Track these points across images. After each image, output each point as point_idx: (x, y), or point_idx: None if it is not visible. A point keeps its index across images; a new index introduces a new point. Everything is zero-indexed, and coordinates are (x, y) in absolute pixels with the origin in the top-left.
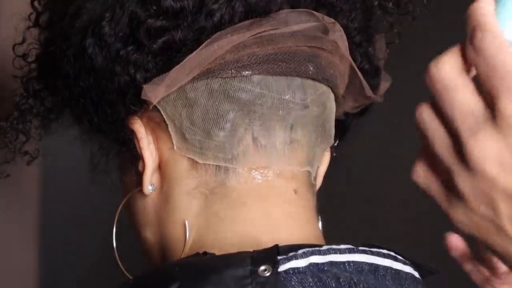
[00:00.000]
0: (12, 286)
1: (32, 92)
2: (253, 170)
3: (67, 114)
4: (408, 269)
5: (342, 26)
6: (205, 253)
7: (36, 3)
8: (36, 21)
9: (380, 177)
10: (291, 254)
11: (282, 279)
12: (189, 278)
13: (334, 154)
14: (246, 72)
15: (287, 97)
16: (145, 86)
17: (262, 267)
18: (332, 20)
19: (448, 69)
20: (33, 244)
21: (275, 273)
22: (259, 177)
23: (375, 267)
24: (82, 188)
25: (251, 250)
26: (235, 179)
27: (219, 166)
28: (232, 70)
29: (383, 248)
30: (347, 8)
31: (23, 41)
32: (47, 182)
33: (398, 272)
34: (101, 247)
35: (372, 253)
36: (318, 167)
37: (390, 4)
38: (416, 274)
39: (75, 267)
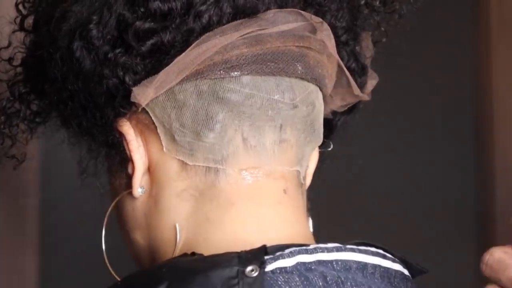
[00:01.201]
0: (12, 286)
1: (18, 95)
2: (243, 171)
3: (54, 117)
4: (397, 266)
5: (329, 25)
6: (193, 253)
7: (20, 7)
8: (21, 25)
9: (370, 175)
10: (278, 253)
11: (269, 278)
12: (177, 279)
13: (329, 149)
14: (235, 73)
15: (276, 97)
16: (134, 89)
17: (249, 268)
18: (320, 19)
19: (499, 254)
20: (33, 245)
21: (262, 273)
22: (249, 178)
23: (363, 265)
24: (82, 189)
25: (239, 250)
26: (225, 180)
27: (209, 167)
28: (221, 71)
29: (371, 246)
30: (334, 8)
31: (9, 45)
32: (47, 182)
33: (387, 269)
34: (100, 247)
35: (360, 251)
36: (307, 166)
37: (377, 3)
38: (406, 271)
39: (75, 268)
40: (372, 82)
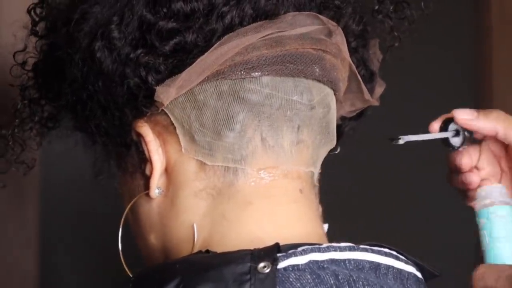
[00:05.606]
0: (12, 286)
1: (29, 100)
2: (262, 171)
3: (68, 120)
4: (410, 269)
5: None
6: (207, 251)
7: (33, 13)
8: (34, 29)
9: (378, 179)
10: (290, 251)
11: (280, 275)
12: (190, 273)
13: (336, 152)
14: (255, 73)
15: (294, 98)
16: (157, 88)
17: (262, 264)
18: (335, 24)
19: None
20: (33, 245)
21: (274, 269)
22: (267, 177)
23: (376, 265)
24: (82, 190)
25: (252, 248)
26: (243, 179)
27: (228, 167)
28: (242, 72)
29: (384, 247)
30: (350, 11)
31: (25, 48)
32: (47, 183)
33: (400, 271)
34: (101, 247)
35: (373, 252)
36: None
37: (389, 8)
38: (419, 274)
39: (75, 268)
40: (379, 88)
